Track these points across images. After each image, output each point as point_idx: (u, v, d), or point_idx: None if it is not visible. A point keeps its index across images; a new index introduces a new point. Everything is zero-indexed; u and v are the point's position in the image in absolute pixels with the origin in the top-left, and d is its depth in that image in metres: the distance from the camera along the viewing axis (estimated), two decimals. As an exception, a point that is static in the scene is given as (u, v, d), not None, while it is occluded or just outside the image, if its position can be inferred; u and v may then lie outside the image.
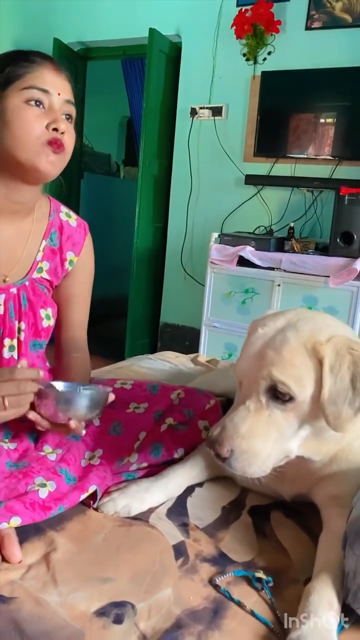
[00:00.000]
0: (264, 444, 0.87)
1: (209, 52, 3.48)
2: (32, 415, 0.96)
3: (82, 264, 1.25)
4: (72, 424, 0.96)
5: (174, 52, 3.62)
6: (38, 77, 1.02)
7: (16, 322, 1.14)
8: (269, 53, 3.28)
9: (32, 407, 0.97)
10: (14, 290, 1.14)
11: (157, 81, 3.54)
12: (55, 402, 0.95)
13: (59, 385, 1.00)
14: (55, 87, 1.04)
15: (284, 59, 3.23)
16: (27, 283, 1.16)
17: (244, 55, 3.35)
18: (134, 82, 4.64)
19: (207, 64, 3.50)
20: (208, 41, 3.48)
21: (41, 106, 1.02)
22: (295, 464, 0.99)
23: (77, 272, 1.25)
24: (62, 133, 1.03)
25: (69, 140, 1.05)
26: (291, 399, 0.87)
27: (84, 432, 1.03)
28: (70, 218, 1.24)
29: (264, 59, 3.31)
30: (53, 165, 1.04)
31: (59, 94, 1.04)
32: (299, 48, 3.20)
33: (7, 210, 1.10)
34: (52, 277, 1.21)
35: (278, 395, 0.87)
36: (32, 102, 1.01)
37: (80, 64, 4.17)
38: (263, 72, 3.27)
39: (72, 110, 1.08)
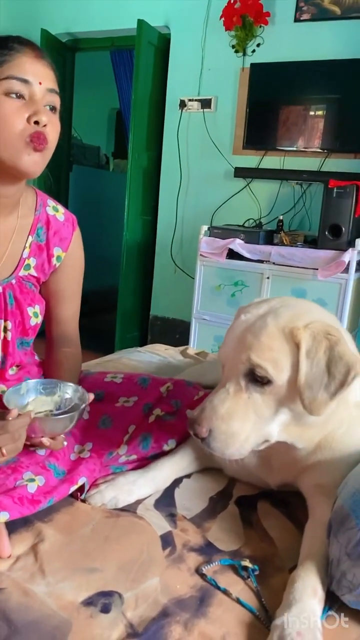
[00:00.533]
0: (242, 425, 0.89)
1: (198, 44, 3.47)
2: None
3: (70, 260, 1.22)
4: (45, 441, 0.97)
5: (163, 44, 3.60)
6: (17, 66, 0.96)
7: (1, 322, 1.12)
8: (258, 45, 3.27)
9: None
10: None
11: (145, 73, 3.52)
12: (44, 430, 0.97)
13: (32, 384, 1.05)
14: (36, 75, 0.97)
15: (273, 51, 3.22)
16: (13, 281, 1.13)
17: (233, 47, 3.34)
18: (123, 74, 4.61)
19: (196, 55, 3.48)
20: (197, 33, 3.46)
21: (21, 98, 0.96)
22: (281, 452, 1.00)
23: (66, 268, 1.22)
24: (45, 126, 0.97)
25: (52, 132, 1.00)
26: (269, 382, 0.89)
27: (65, 443, 1.03)
28: (57, 212, 1.20)
29: (253, 51, 3.30)
30: (36, 164, 1.00)
31: (40, 83, 0.97)
32: (288, 40, 3.20)
33: None
34: (39, 273, 1.18)
35: (257, 378, 0.89)
36: (12, 95, 0.95)
37: (69, 55, 4.14)
38: (252, 64, 3.26)
39: (56, 100, 1.01)
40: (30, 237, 1.15)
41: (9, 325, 1.13)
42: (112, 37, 3.92)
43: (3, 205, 1.09)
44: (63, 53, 4.04)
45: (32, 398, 1.05)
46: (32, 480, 0.96)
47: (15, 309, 1.13)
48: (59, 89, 1.04)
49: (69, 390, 1.07)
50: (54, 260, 1.19)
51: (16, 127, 0.96)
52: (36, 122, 0.97)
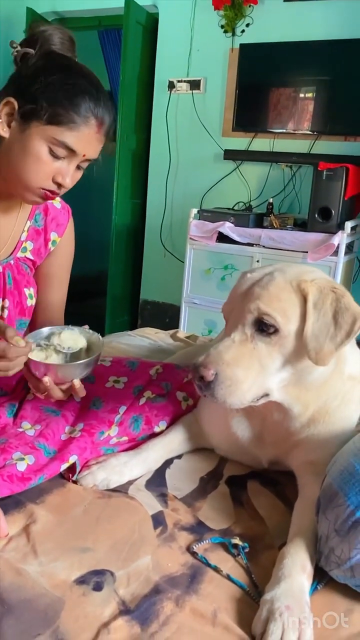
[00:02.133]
0: (246, 374, 0.90)
1: (187, 24, 3.42)
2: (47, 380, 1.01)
3: (63, 246, 1.27)
4: (77, 383, 1.02)
5: (151, 24, 3.54)
6: (74, 137, 0.99)
7: (0, 300, 1.14)
8: (247, 25, 3.24)
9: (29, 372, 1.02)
10: None
11: (133, 53, 3.48)
12: (57, 373, 1.00)
13: (45, 332, 1.08)
14: (85, 149, 1.02)
15: (262, 31, 3.19)
16: (12, 262, 1.18)
17: (222, 27, 3.30)
18: (111, 54, 4.54)
19: (185, 35, 3.44)
20: (185, 12, 3.41)
21: (60, 158, 1.01)
22: (276, 423, 1.02)
23: (58, 253, 1.26)
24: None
25: (68, 185, 1.05)
26: (276, 331, 0.90)
27: (84, 393, 1.06)
28: (54, 200, 1.25)
29: (242, 31, 3.26)
30: (38, 203, 1.09)
31: (84, 155, 1.02)
32: (277, 20, 3.16)
33: (3, 194, 1.12)
34: (35, 257, 1.23)
35: (263, 328, 0.90)
36: (55, 153, 1.00)
37: (55, 35, 4.06)
38: (241, 45, 3.23)
39: (87, 164, 1.07)
40: (28, 221, 1.21)
41: (7, 303, 1.17)
42: (100, 16, 3.86)
43: (6, 196, 1.13)
44: (49, 33, 3.96)
45: (60, 332, 1.08)
46: (22, 459, 0.96)
47: (13, 289, 1.17)
48: None
49: (83, 333, 1.10)
50: (49, 244, 1.24)
51: (40, 178, 1.02)
52: (58, 184, 1.03)
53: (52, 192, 1.04)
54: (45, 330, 1.09)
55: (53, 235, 1.24)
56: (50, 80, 0.99)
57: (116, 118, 1.07)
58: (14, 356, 0.93)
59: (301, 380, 0.96)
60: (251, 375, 0.90)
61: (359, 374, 1.06)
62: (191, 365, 0.93)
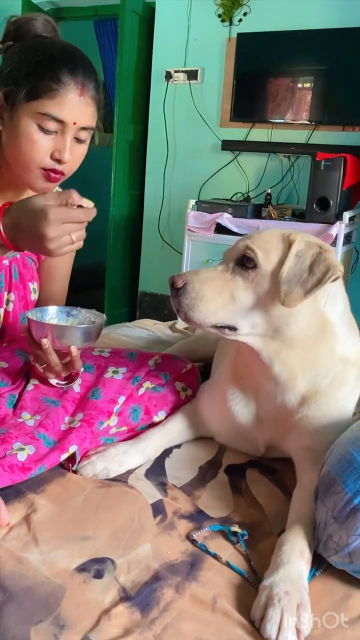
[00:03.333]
0: (214, 296, 0.96)
1: (184, 13, 3.40)
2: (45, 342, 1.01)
3: None
4: (73, 350, 1.02)
5: (148, 13, 3.52)
6: (58, 105, 0.97)
7: (5, 293, 1.15)
8: (245, 14, 3.22)
9: (32, 338, 1.04)
10: (6, 262, 1.15)
11: (130, 44, 3.45)
12: (55, 336, 1.02)
13: (53, 310, 1.11)
14: (73, 115, 0.99)
15: (260, 20, 3.17)
16: (18, 256, 1.18)
17: (219, 16, 3.27)
18: (107, 45, 4.51)
19: (182, 25, 3.42)
20: (182, 1, 3.39)
21: (52, 132, 0.99)
22: (271, 397, 1.04)
23: None
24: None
25: (71, 164, 1.04)
26: (254, 266, 0.96)
27: (82, 369, 1.08)
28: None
29: (240, 20, 3.24)
30: (48, 188, 1.05)
31: (74, 123, 1.00)
32: (275, 9, 3.14)
33: (7, 184, 1.11)
34: None
35: (245, 262, 0.96)
36: (44, 127, 0.98)
37: (51, 25, 4.03)
38: (239, 34, 3.21)
39: (86, 134, 1.04)
40: None
41: (12, 297, 1.18)
42: (96, 5, 3.83)
43: (15, 186, 1.14)
44: (45, 23, 3.94)
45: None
46: (22, 449, 0.97)
47: (19, 283, 1.18)
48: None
49: (88, 313, 1.13)
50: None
51: (37, 157, 1.00)
52: (57, 160, 1.01)
53: (54, 171, 1.02)
54: (53, 307, 1.13)
55: None
56: (23, 58, 0.99)
57: (98, 81, 1.06)
58: (88, 219, 0.90)
59: (278, 331, 0.98)
60: (220, 301, 0.96)
61: (352, 357, 1.06)
62: (169, 278, 0.99)
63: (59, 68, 0.97)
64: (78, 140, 1.04)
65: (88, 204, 0.91)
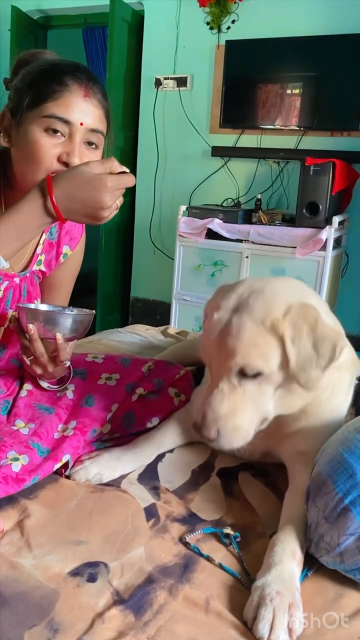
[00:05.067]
0: (243, 417, 0.91)
1: (172, 21, 3.42)
2: (31, 328, 1.01)
3: (73, 258, 1.27)
4: (59, 337, 1.01)
5: (137, 21, 3.55)
6: (62, 105, 0.95)
7: (10, 311, 1.15)
8: (233, 21, 3.25)
9: (21, 328, 1.03)
10: (17, 280, 1.15)
11: (119, 51, 3.47)
12: (43, 322, 1.02)
13: (44, 307, 1.12)
14: (79, 116, 0.97)
15: (248, 27, 3.20)
16: (28, 274, 1.18)
17: (208, 23, 3.30)
18: (94, 52, 4.54)
19: (171, 33, 3.44)
20: (171, 9, 3.41)
21: (60, 134, 0.97)
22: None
23: (67, 265, 1.27)
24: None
25: (76, 163, 0.99)
26: (259, 374, 0.90)
27: (68, 362, 1.07)
28: None
29: (228, 28, 3.27)
30: None
31: (81, 124, 0.97)
32: (263, 16, 3.18)
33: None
34: (46, 268, 1.23)
35: (247, 374, 0.90)
36: (51, 131, 0.96)
37: (41, 33, 4.05)
38: (227, 41, 3.24)
39: (96, 138, 1.01)
40: (44, 234, 1.20)
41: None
42: (85, 13, 3.85)
43: None
44: (34, 31, 3.96)
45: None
46: (16, 459, 0.97)
47: (25, 300, 1.18)
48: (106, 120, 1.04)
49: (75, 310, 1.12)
50: (61, 257, 1.24)
51: (45, 163, 0.97)
52: (65, 164, 0.97)
53: None
54: (45, 305, 1.16)
55: (65, 249, 1.24)
56: (27, 71, 1.00)
57: (104, 87, 1.05)
58: (133, 183, 0.92)
59: (292, 390, 0.96)
60: (248, 416, 0.92)
61: (344, 361, 1.07)
62: (192, 425, 0.93)
63: (61, 72, 0.97)
64: (89, 145, 1.00)
65: (126, 170, 0.93)
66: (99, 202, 0.88)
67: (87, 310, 1.10)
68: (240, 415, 0.91)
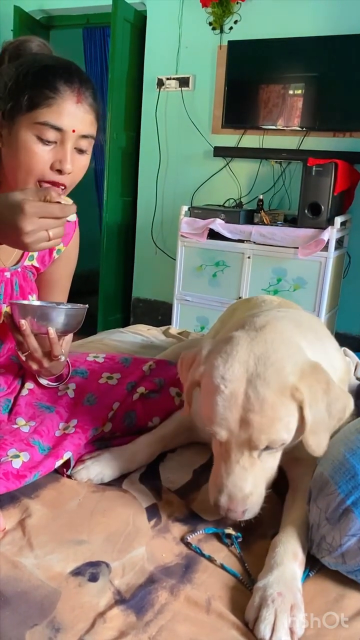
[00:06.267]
0: (263, 485, 0.90)
1: (175, 21, 3.42)
2: (23, 323, 1.01)
3: (67, 254, 1.27)
4: (51, 332, 1.01)
5: (139, 21, 3.55)
6: (55, 112, 0.96)
7: (3, 306, 1.15)
8: (235, 22, 3.25)
9: (14, 324, 1.03)
10: (7, 274, 1.15)
11: (122, 51, 3.48)
12: (35, 318, 1.02)
13: (37, 303, 1.11)
14: (71, 123, 0.98)
15: (250, 28, 3.20)
16: (19, 269, 1.18)
17: (210, 24, 3.30)
18: (93, 53, 4.55)
19: (173, 33, 3.44)
20: (173, 9, 3.42)
21: (51, 142, 0.98)
22: None
23: (61, 261, 1.27)
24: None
25: (73, 177, 1.02)
26: (282, 444, 0.88)
27: (63, 357, 1.07)
28: None
29: (230, 28, 3.27)
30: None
31: (73, 131, 0.98)
32: (265, 17, 3.18)
33: None
34: (39, 264, 1.23)
35: (273, 447, 0.87)
36: (43, 137, 0.97)
37: (43, 33, 4.05)
38: (229, 42, 3.24)
39: (87, 144, 1.02)
40: None
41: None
42: (87, 14, 3.85)
43: None
44: (37, 31, 3.95)
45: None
46: (17, 456, 0.97)
47: (19, 296, 1.18)
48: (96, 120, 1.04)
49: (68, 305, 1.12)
50: (54, 253, 1.24)
51: (37, 169, 0.98)
52: (58, 171, 0.99)
53: (55, 183, 1.00)
54: (37, 302, 1.15)
55: (58, 245, 1.24)
56: (20, 71, 0.98)
57: (95, 90, 1.04)
58: (65, 214, 0.90)
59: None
60: (265, 483, 0.90)
61: (338, 365, 1.06)
62: (216, 508, 0.88)
63: (54, 77, 0.97)
64: (79, 151, 1.02)
65: (67, 200, 0.92)
66: (17, 226, 0.86)
67: (80, 304, 1.10)
68: (261, 487, 0.89)
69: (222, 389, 0.87)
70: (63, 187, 1.02)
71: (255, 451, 0.87)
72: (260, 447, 0.86)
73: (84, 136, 1.01)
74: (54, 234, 0.90)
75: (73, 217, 1.25)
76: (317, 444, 0.87)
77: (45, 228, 0.88)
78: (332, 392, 0.89)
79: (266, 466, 0.89)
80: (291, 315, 1.07)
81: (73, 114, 0.98)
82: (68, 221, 1.22)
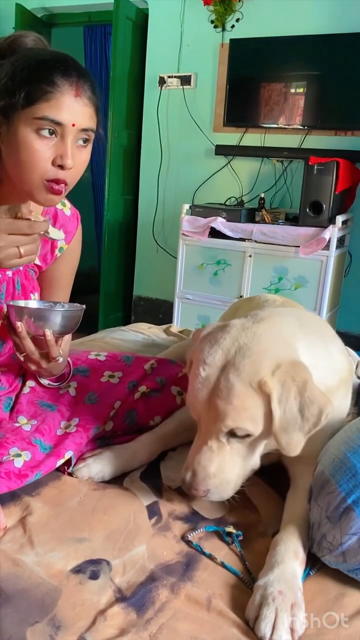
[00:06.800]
0: (231, 472, 0.91)
1: (177, 19, 3.42)
2: (19, 325, 1.01)
3: (70, 252, 1.26)
4: (48, 334, 1.01)
5: (141, 19, 3.54)
6: (54, 107, 0.94)
7: (4, 304, 1.14)
8: (237, 20, 3.24)
9: (11, 326, 1.03)
10: (9, 273, 1.15)
11: (124, 49, 3.47)
12: (32, 319, 1.02)
13: (34, 305, 1.11)
14: (71, 117, 0.96)
15: (252, 26, 3.20)
16: (21, 268, 1.17)
17: (212, 22, 3.30)
18: (93, 51, 4.54)
19: (175, 31, 3.44)
20: (175, 7, 3.41)
21: (53, 134, 0.96)
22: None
23: (64, 259, 1.26)
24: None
25: (75, 171, 1.01)
26: (248, 435, 0.89)
27: (61, 359, 1.07)
28: (64, 207, 1.23)
29: (232, 26, 3.27)
30: (52, 201, 1.02)
31: (73, 125, 0.96)
32: (267, 15, 3.17)
33: (10, 194, 1.08)
34: (41, 262, 1.22)
35: (237, 434, 0.89)
36: (43, 132, 0.95)
37: (45, 31, 4.04)
38: (231, 40, 3.23)
39: (87, 136, 1.01)
40: None
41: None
42: (89, 12, 3.85)
43: (19, 196, 1.10)
44: (39, 29, 3.95)
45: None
46: (19, 455, 0.97)
47: (21, 295, 1.18)
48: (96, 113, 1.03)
49: (65, 305, 1.13)
50: (56, 252, 1.23)
51: (39, 167, 0.97)
52: (60, 166, 0.97)
53: (57, 181, 0.98)
54: (34, 301, 1.15)
55: (60, 243, 1.23)
56: (16, 66, 0.97)
57: (94, 83, 1.02)
58: (34, 231, 0.90)
59: None
60: (236, 470, 0.91)
61: (340, 366, 1.06)
62: (181, 483, 0.93)
63: (51, 71, 0.96)
64: (79, 146, 1.00)
65: (37, 217, 0.91)
66: None
67: (77, 304, 1.10)
68: (229, 471, 0.90)
69: (200, 372, 0.92)
70: (64, 185, 1.01)
71: (222, 435, 0.89)
72: (224, 431, 0.89)
73: (84, 130, 0.99)
74: (26, 251, 0.91)
75: (68, 211, 1.24)
76: (288, 442, 0.88)
77: (14, 245, 0.89)
78: (308, 392, 0.87)
79: (237, 455, 0.90)
80: (297, 314, 1.08)
81: (72, 108, 0.96)
82: (65, 215, 1.23)
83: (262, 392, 0.87)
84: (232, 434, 0.89)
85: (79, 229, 1.27)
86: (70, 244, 1.25)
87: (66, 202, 1.25)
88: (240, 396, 0.87)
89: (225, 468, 0.90)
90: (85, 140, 1.01)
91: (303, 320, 1.04)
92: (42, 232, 0.93)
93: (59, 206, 1.22)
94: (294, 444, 0.88)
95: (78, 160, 1.00)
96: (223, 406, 0.88)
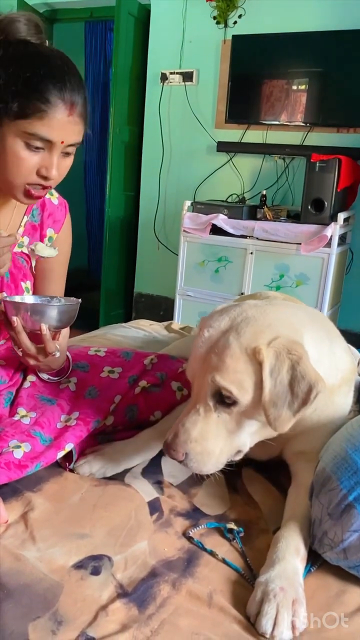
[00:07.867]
0: (215, 443, 0.90)
1: (179, 15, 3.41)
2: (15, 320, 1.03)
3: (60, 242, 1.27)
4: (44, 329, 1.03)
5: (143, 15, 3.53)
6: (46, 125, 0.95)
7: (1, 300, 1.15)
8: (240, 16, 3.23)
9: (8, 321, 1.04)
10: None
11: (126, 45, 3.46)
12: (28, 314, 1.03)
13: (30, 300, 1.13)
14: (61, 135, 0.98)
15: (254, 22, 3.18)
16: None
17: (214, 18, 3.29)
18: (93, 46, 4.53)
19: (177, 27, 3.43)
20: (177, 3, 3.40)
21: (39, 149, 0.98)
22: None
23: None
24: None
25: (59, 176, 1.03)
26: (235, 402, 0.89)
27: (57, 354, 1.08)
28: (52, 196, 1.25)
29: (235, 23, 3.25)
30: (29, 202, 1.08)
31: (62, 142, 0.98)
32: (269, 11, 3.16)
33: None
34: (30, 252, 1.23)
35: (223, 399, 0.89)
36: (32, 145, 0.97)
37: (46, 27, 4.03)
38: (234, 36, 3.22)
39: (73, 149, 1.03)
40: (25, 216, 1.21)
41: (4, 295, 1.17)
42: (91, 7, 3.84)
43: (1, 192, 1.12)
44: (40, 24, 3.94)
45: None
46: (18, 447, 0.97)
47: (10, 282, 1.18)
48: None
49: (61, 299, 1.14)
50: (46, 241, 1.24)
51: (23, 174, 1.00)
52: (44, 177, 1.00)
53: (40, 186, 1.02)
54: (31, 296, 1.17)
55: (49, 232, 1.24)
56: (9, 73, 0.95)
57: (86, 96, 1.03)
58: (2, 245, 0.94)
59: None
60: (220, 442, 0.90)
61: (343, 366, 1.06)
62: (163, 444, 0.92)
63: (47, 88, 0.95)
64: (64, 154, 1.02)
65: (1, 233, 0.95)
66: None
67: (73, 299, 1.11)
68: (212, 441, 0.89)
69: (204, 332, 0.95)
70: (47, 189, 1.05)
71: (210, 398, 0.90)
72: (211, 388, 0.89)
73: (72, 144, 1.02)
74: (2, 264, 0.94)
75: (55, 200, 1.26)
76: (276, 417, 0.87)
77: None
78: (301, 367, 0.87)
79: (223, 426, 0.90)
80: (306, 310, 1.08)
81: (64, 127, 0.98)
82: (53, 203, 1.24)
83: (255, 360, 0.88)
84: (220, 400, 0.89)
85: (67, 217, 1.28)
86: (60, 232, 1.26)
87: (54, 191, 1.26)
88: (234, 357, 0.89)
89: (208, 436, 0.90)
90: (71, 151, 1.03)
91: (312, 316, 1.05)
92: (6, 247, 0.97)
93: (47, 195, 1.23)
94: (282, 420, 0.87)
95: (61, 168, 1.03)
96: (216, 361, 0.90)
